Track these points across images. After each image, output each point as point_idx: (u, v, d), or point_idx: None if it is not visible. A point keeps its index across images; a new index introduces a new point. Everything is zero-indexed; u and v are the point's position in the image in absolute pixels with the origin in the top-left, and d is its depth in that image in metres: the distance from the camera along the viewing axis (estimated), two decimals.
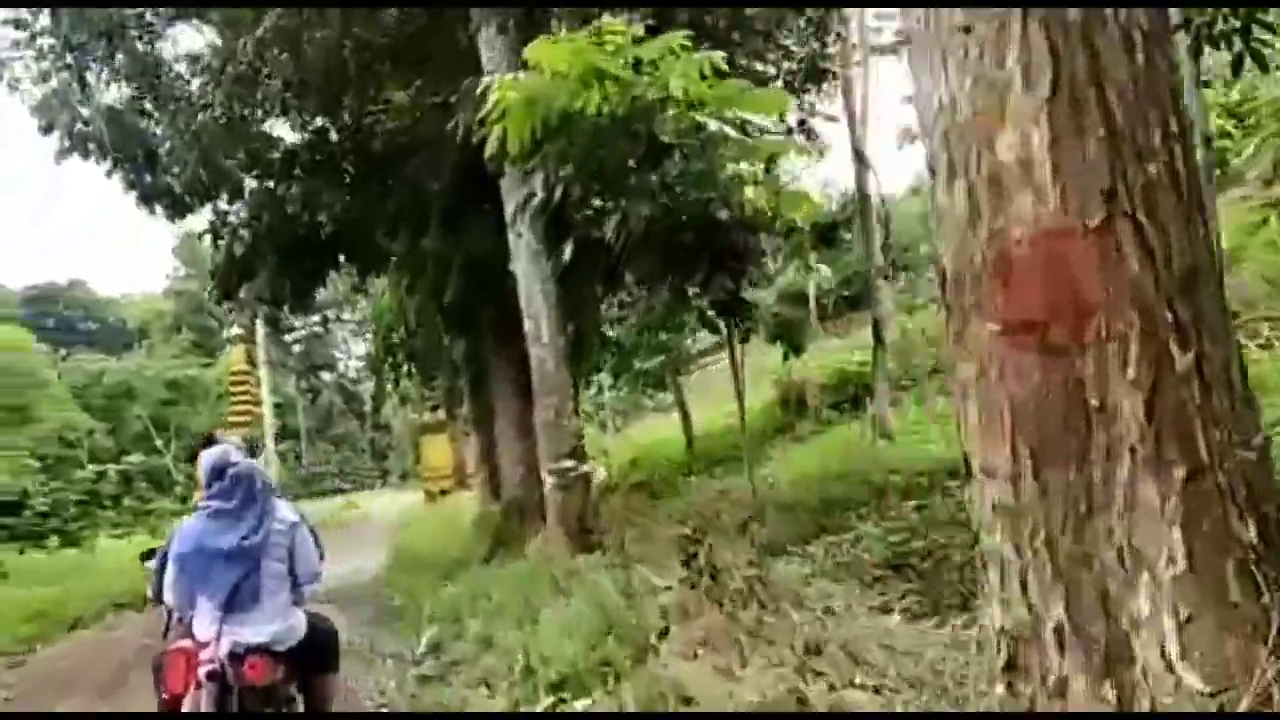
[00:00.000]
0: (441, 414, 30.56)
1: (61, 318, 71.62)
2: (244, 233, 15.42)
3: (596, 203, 8.67)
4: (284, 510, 4.54)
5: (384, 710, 7.38)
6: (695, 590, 5.74)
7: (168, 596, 4.45)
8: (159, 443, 54.65)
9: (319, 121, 14.95)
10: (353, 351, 77.94)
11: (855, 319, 26.40)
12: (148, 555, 4.93)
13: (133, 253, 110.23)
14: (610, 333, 19.44)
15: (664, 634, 5.58)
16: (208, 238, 16.09)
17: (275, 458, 40.63)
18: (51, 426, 39.47)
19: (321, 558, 4.74)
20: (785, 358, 16.55)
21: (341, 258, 16.47)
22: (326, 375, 75.68)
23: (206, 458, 4.51)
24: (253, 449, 5.49)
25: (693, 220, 8.29)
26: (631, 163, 8.17)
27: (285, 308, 17.91)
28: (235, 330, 32.01)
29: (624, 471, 19.46)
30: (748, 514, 9.73)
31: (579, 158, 8.02)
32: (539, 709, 5.66)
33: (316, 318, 31.90)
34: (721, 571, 5.81)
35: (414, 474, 69.28)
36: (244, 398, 30.83)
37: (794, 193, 9.23)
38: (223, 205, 15.85)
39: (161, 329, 64.57)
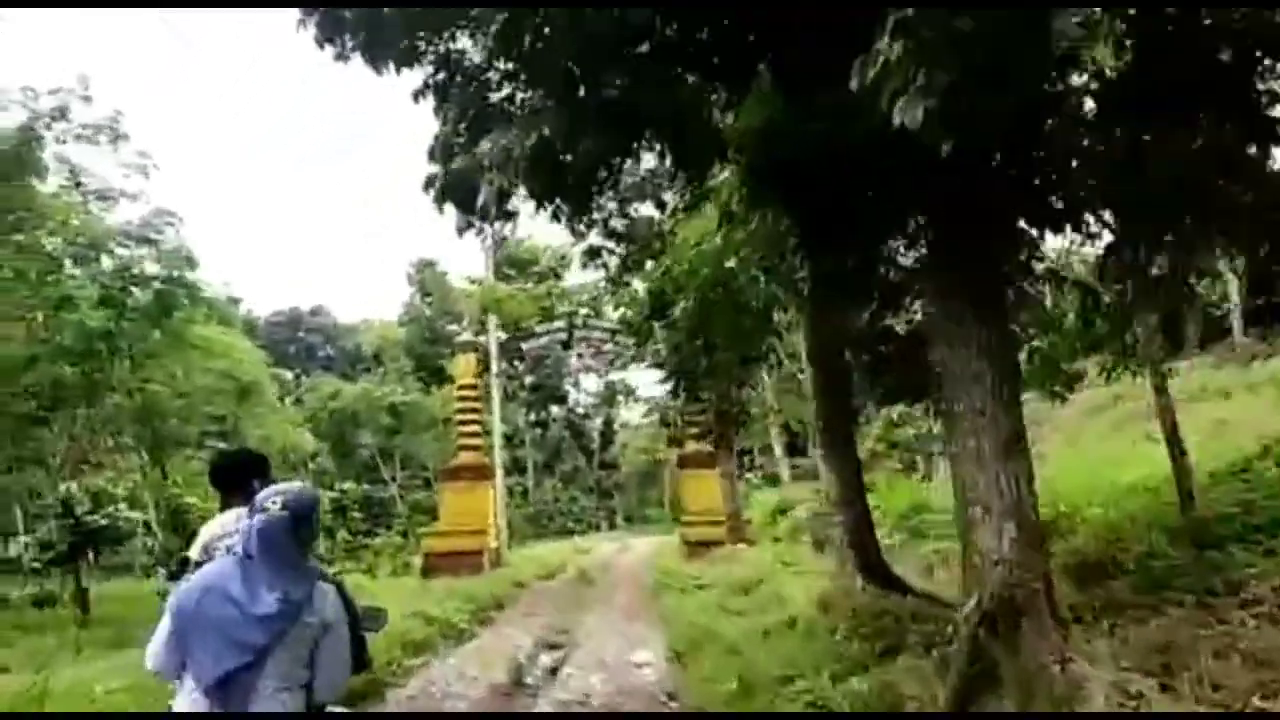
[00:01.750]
0: (707, 445, 24.52)
1: (302, 342, 71.85)
2: None
3: None
4: (326, 602, 3.24)
5: None
6: None
7: (149, 660, 3.25)
8: (385, 473, 51.79)
9: None
10: (583, 384, 74.60)
11: None
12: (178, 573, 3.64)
13: (373, 280, 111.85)
14: None
15: None
16: None
17: (503, 491, 35.75)
18: (275, 447, 36.17)
19: (362, 668, 3.55)
20: None
21: None
22: (556, 408, 72.42)
23: (265, 492, 3.25)
24: (301, 503, 3.22)
25: None
26: None
27: None
28: (464, 336, 26.89)
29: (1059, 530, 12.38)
30: None
31: None
32: None
33: (545, 338, 26.11)
34: None
35: (644, 517, 65.98)
36: (472, 416, 25.75)
37: None
38: None
39: (393, 356, 62.56)
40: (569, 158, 6.33)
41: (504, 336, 28.54)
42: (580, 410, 75.42)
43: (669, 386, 21.59)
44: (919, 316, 10.75)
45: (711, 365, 19.84)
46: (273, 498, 3.19)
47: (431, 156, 7.84)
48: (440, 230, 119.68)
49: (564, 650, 12.96)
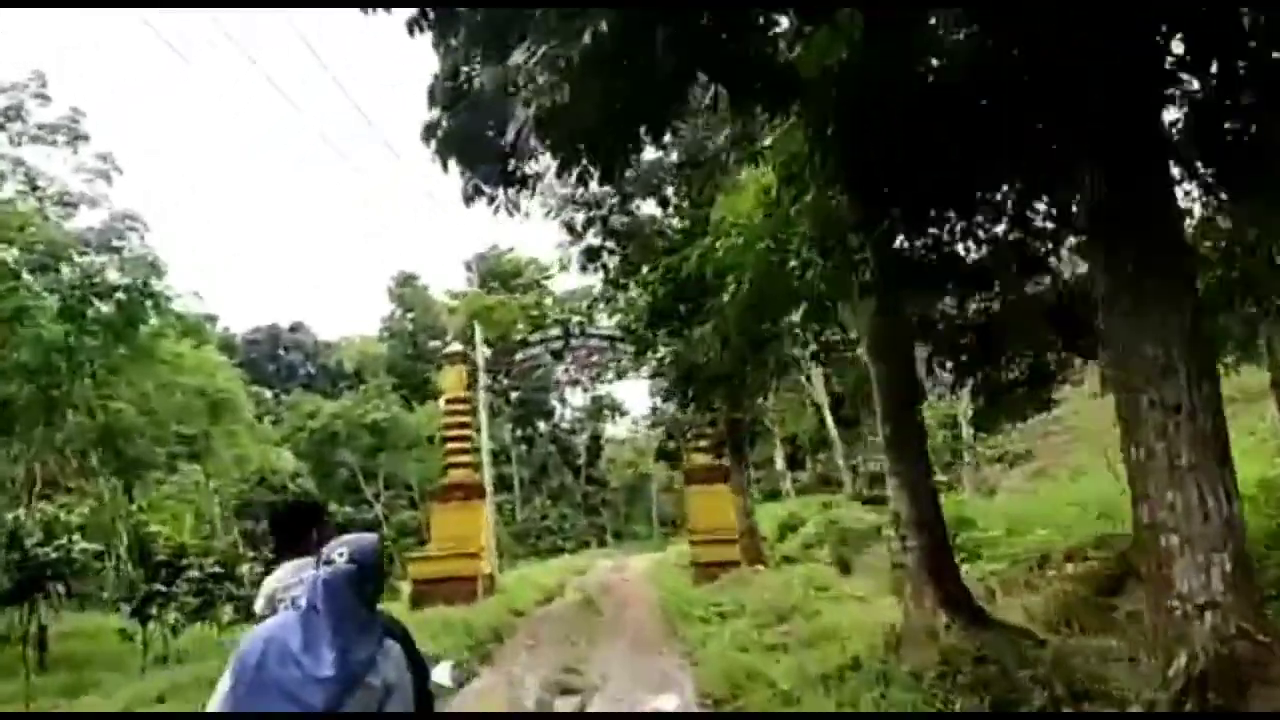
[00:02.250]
0: (716, 458, 22.90)
1: (282, 360, 69.95)
2: None
3: None
4: (389, 660, 2.96)
5: None
6: None
7: (214, 704, 3.03)
8: (368, 492, 49.85)
9: None
10: (569, 399, 72.93)
11: None
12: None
13: (353, 295, 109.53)
14: None
15: None
16: None
17: (492, 509, 34.06)
18: (252, 467, 34.42)
19: None
20: None
21: None
22: (542, 424, 70.73)
23: (338, 541, 3.01)
24: (364, 567, 2.94)
25: None
26: None
27: None
28: (452, 348, 25.16)
29: None
30: None
31: None
32: None
33: (538, 348, 24.39)
34: None
35: (632, 533, 64.43)
36: (462, 431, 23.98)
37: None
38: None
39: (374, 372, 60.72)
40: (626, 64, 4.66)
41: (489, 352, 26.92)
42: (566, 425, 73.79)
43: (674, 395, 20.02)
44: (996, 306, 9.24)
45: (731, 368, 18.35)
46: (339, 549, 2.95)
47: (431, 99, 6.21)
48: (421, 245, 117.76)
49: (580, 696, 11.30)
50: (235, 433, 29.87)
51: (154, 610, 16.44)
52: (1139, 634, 6.53)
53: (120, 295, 20.04)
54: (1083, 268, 7.68)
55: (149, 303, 20.42)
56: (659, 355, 20.46)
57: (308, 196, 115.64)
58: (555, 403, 71.79)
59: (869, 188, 7.41)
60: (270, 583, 3.52)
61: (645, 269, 19.95)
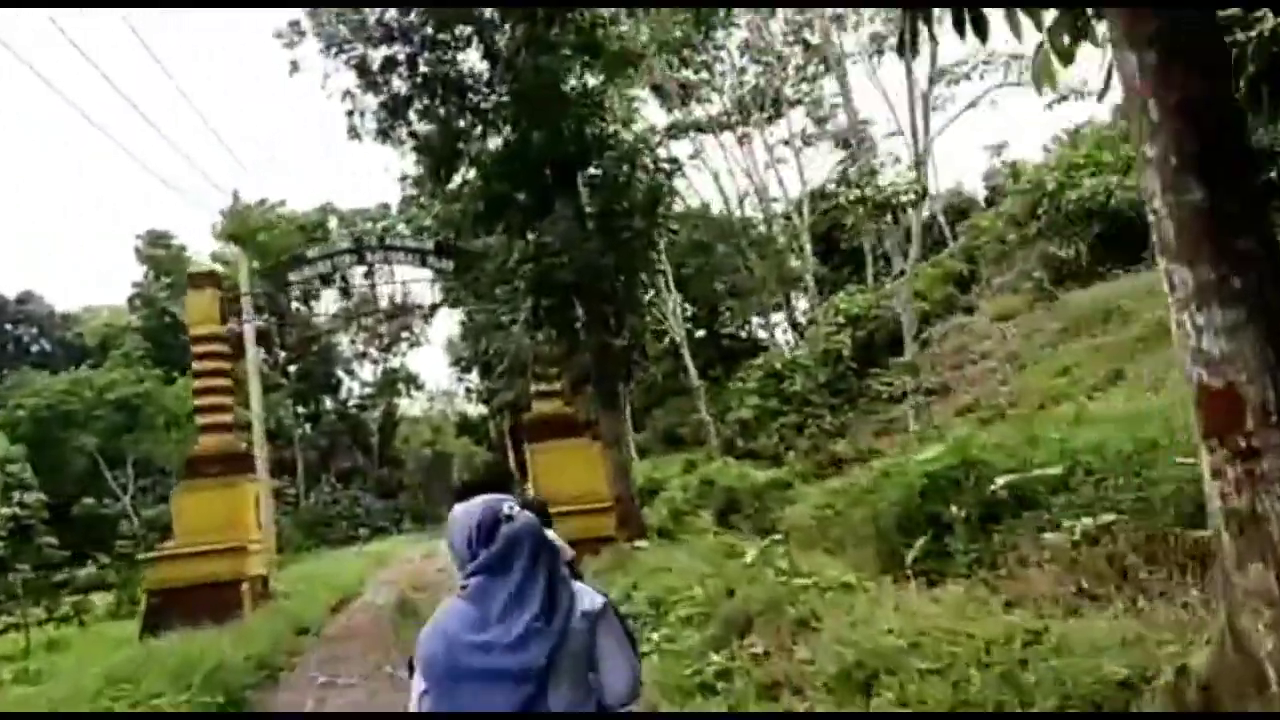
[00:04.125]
0: (571, 404, 17.19)
1: (8, 335, 58.73)
2: None
3: None
4: (584, 596, 2.76)
5: None
6: None
7: (413, 706, 2.72)
8: (114, 483, 40.88)
9: None
10: (359, 373, 65.10)
11: None
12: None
13: (98, 261, 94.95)
14: None
15: None
16: None
17: (269, 495, 27.10)
18: None
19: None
20: None
21: None
22: (329, 400, 62.62)
23: (460, 513, 2.80)
24: (537, 507, 3.18)
25: None
26: None
27: None
28: (201, 265, 18.12)
29: None
30: None
31: None
32: None
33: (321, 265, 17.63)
34: None
35: (435, 516, 57.60)
36: (217, 382, 17.13)
37: None
38: None
39: (121, 345, 51.00)
40: None
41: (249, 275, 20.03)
42: (356, 402, 65.98)
43: (532, 318, 14.36)
44: None
45: (598, 270, 12.87)
46: (504, 514, 2.75)
47: None
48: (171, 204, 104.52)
49: None
50: None
51: None
52: None
53: None
54: None
55: None
56: (499, 261, 14.61)
57: (40, 156, 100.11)
58: (342, 375, 63.87)
59: None
60: None
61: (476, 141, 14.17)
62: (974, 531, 9.43)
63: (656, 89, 27.33)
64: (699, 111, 30.58)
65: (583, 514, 16.24)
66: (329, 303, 63.27)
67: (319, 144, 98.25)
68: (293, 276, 17.90)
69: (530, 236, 14.32)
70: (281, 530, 39.12)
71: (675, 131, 30.47)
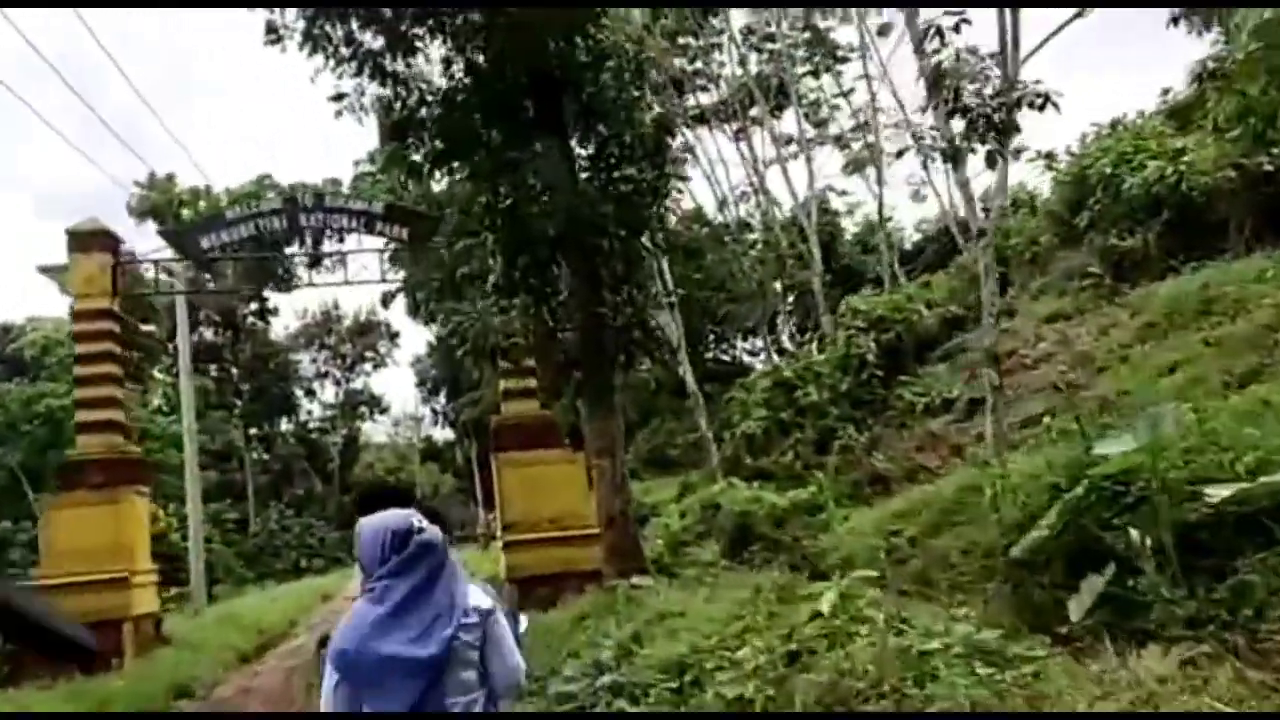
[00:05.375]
0: (546, 409, 13.73)
1: None
2: None
3: None
4: (474, 595, 3.16)
5: None
6: None
7: (324, 698, 3.07)
8: (36, 502, 36.73)
9: None
10: (319, 394, 61.23)
11: None
12: (323, 643, 3.42)
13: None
14: None
15: None
16: None
17: (199, 519, 23.57)
18: None
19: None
20: None
21: None
22: (285, 423, 58.69)
23: (374, 524, 3.13)
24: (434, 514, 3.66)
25: None
26: None
27: None
28: (85, 224, 14.35)
29: None
30: None
31: None
32: None
33: (243, 226, 14.05)
34: None
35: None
36: (102, 369, 13.48)
37: None
38: None
39: (60, 360, 46.86)
40: None
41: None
42: (315, 425, 62.08)
43: (504, 282, 11.02)
44: None
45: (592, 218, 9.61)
46: (415, 526, 3.13)
47: None
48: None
49: None
50: None
51: None
52: None
53: None
54: None
55: None
56: (460, 214, 11.22)
57: None
58: (301, 396, 60.02)
59: None
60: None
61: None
62: (1179, 569, 6.14)
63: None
64: (691, 102, 27.48)
65: (560, 542, 12.79)
66: (288, 319, 59.79)
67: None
68: (205, 242, 14.35)
69: (503, 187, 10.97)
70: (219, 559, 35.33)
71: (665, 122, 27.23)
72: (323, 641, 3.45)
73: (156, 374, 43.97)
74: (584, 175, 11.13)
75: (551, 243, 10.54)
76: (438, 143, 11.28)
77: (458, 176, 11.89)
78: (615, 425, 11.42)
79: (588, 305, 10.88)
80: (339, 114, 11.04)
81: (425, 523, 3.07)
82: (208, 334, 51.76)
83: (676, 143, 14.08)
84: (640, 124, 11.13)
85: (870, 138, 28.30)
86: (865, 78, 27.45)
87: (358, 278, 14.89)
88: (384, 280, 15.92)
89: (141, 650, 12.68)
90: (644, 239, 11.02)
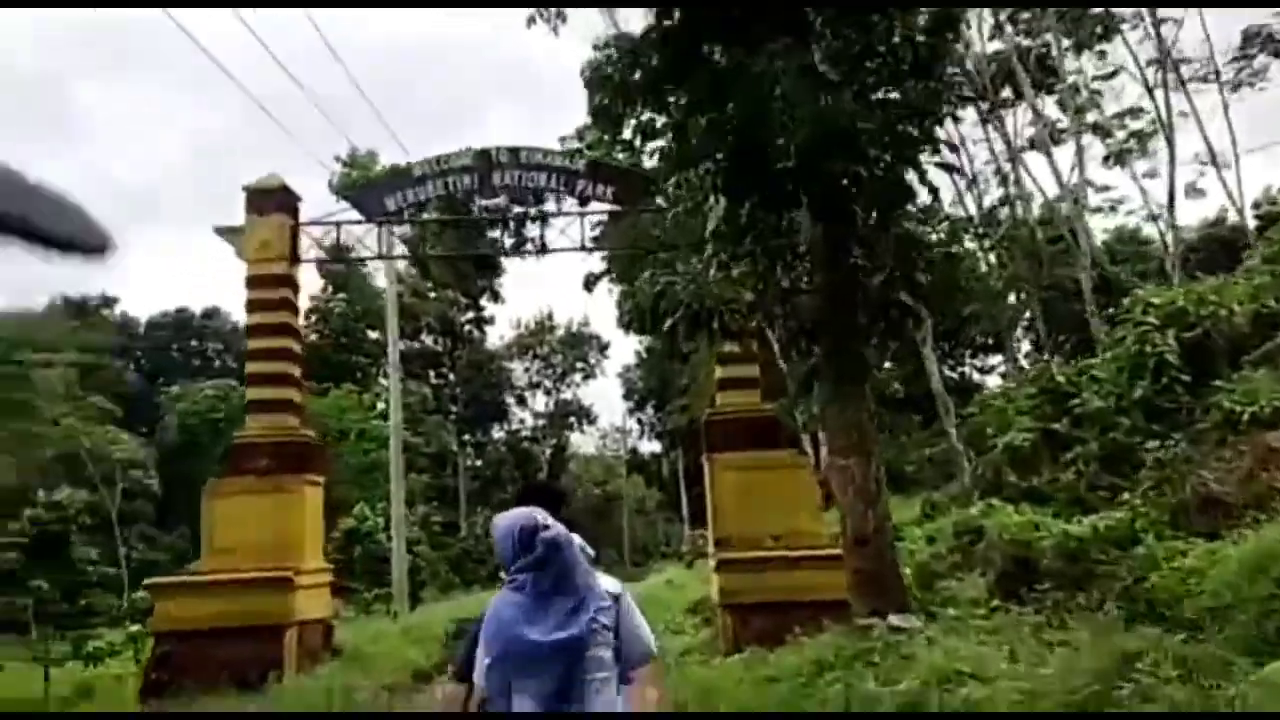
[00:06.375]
0: (761, 402, 11.25)
1: (193, 349, 58.30)
2: None
3: None
4: (605, 583, 3.46)
5: None
6: None
7: (478, 679, 3.39)
8: None
9: None
10: (530, 403, 61.23)
11: None
12: (457, 634, 1.81)
13: None
14: None
15: None
16: None
17: (401, 520, 22.53)
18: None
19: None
20: None
21: None
22: (496, 430, 59.19)
23: (506, 522, 3.39)
24: (560, 496, 3.90)
25: None
26: None
27: None
28: (265, 181, 13.03)
29: None
30: None
31: None
32: None
33: (431, 184, 12.32)
34: None
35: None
36: (277, 342, 12.08)
37: None
38: None
39: None
40: None
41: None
42: (526, 433, 62.14)
43: (725, 228, 8.59)
44: None
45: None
46: (540, 524, 3.32)
47: None
48: None
49: None
50: None
51: None
52: None
53: None
54: None
55: None
56: (674, 143, 8.90)
57: None
58: (512, 404, 60.28)
59: None
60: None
61: None
62: None
63: None
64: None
65: (786, 564, 10.17)
66: (502, 327, 60.15)
67: None
68: (390, 202, 12.86)
69: (731, 104, 8.56)
70: (426, 562, 34.75)
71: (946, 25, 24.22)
72: (458, 633, 1.95)
73: (381, 380, 44.70)
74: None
75: (790, 175, 8.00)
76: (654, 59, 9.02)
77: (674, 108, 9.54)
78: (866, 417, 8.69)
79: (836, 257, 8.27)
80: (531, 21, 8.99)
81: (549, 519, 3.28)
82: (428, 341, 52.69)
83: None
84: (912, 26, 8.44)
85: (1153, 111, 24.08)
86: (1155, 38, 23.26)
87: (555, 245, 12.99)
88: (584, 248, 13.87)
89: (305, 663, 11.06)
90: (915, 166, 8.30)
